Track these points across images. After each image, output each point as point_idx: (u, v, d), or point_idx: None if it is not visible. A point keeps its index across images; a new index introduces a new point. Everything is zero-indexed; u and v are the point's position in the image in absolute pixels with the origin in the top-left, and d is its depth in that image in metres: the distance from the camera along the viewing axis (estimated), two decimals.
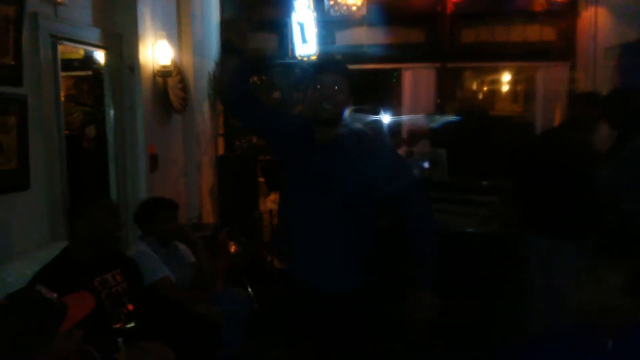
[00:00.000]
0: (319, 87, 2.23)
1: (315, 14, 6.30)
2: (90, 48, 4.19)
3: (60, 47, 3.59)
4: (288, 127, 2.42)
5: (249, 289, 4.09)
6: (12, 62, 3.06)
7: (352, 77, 2.29)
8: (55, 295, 1.67)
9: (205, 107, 5.80)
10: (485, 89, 7.46)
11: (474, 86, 7.46)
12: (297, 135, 2.37)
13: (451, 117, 5.77)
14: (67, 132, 5.02)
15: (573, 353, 1.81)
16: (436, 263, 2.25)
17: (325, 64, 2.42)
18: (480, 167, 5.34)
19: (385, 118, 5.59)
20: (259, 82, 6.58)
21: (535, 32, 6.24)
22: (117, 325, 2.67)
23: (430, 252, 2.25)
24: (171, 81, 4.91)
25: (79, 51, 5.09)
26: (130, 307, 2.78)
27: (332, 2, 6.23)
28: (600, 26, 5.78)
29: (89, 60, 5.31)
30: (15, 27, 3.06)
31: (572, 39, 6.17)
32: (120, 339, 2.23)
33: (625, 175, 3.42)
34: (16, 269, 2.78)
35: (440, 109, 6.35)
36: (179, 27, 5.30)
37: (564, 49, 6.20)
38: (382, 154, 2.32)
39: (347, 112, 2.25)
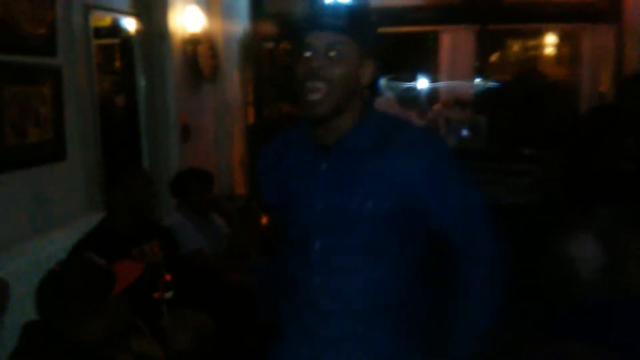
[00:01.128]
0: (306, 54, 1.43)
1: None
2: (120, 16, 4.28)
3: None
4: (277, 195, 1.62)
5: None
6: (46, 33, 3.16)
7: (371, 33, 1.48)
8: (104, 261, 1.79)
9: (235, 74, 5.87)
10: (528, 51, 7.36)
11: (517, 49, 7.36)
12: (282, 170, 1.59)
13: (495, 82, 5.75)
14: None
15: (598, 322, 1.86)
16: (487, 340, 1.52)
17: (315, 12, 1.47)
18: (524, 134, 5.34)
19: (422, 84, 5.55)
20: (290, 49, 6.61)
21: None
22: (156, 295, 2.80)
23: (485, 325, 1.51)
24: (201, 48, 4.99)
25: (107, 19, 5.19)
26: (168, 277, 2.91)
27: None
28: None
29: (117, 27, 5.41)
30: None
31: (618, 0, 6.04)
32: (164, 307, 2.35)
33: None
34: (57, 238, 2.92)
35: (480, 74, 6.31)
36: None
37: (610, 11, 6.07)
38: (437, 162, 1.46)
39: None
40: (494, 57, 6.81)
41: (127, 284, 1.80)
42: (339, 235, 1.46)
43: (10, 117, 2.87)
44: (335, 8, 1.46)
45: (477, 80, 5.90)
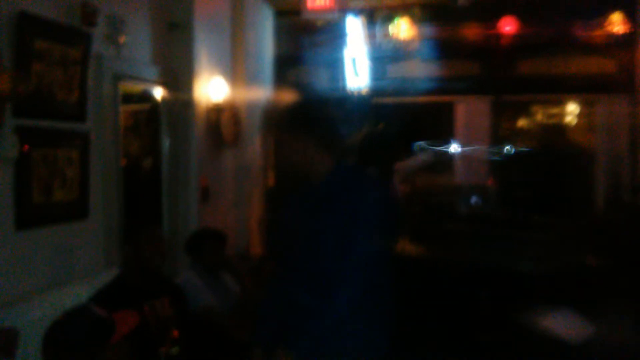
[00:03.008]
0: None
1: (367, 47, 6.60)
2: (148, 85, 4.60)
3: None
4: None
5: None
6: (78, 100, 3.46)
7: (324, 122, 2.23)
8: (105, 312, 1.97)
9: (257, 139, 6.14)
10: (543, 121, 7.51)
11: (532, 119, 7.51)
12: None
13: (508, 150, 5.91)
14: (125, 161, 5.46)
15: None
16: None
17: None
18: (535, 202, 5.46)
19: (454, 149, 5.69)
20: None
21: (594, 65, 6.30)
22: (163, 349, 2.94)
23: None
24: (224, 116, 5.27)
25: (138, 86, 5.54)
26: (176, 332, 3.04)
27: (384, 36, 6.51)
28: None
29: (147, 94, 5.76)
30: (81, 67, 3.46)
31: (632, 70, 6.19)
32: None
33: None
34: (73, 292, 3.11)
35: (495, 142, 6.47)
36: (234, 62, 5.68)
37: (623, 81, 6.22)
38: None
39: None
40: (509, 126, 6.99)
41: (125, 333, 1.95)
42: None
43: (38, 177, 3.13)
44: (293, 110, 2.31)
45: (490, 148, 6.08)
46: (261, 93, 6.25)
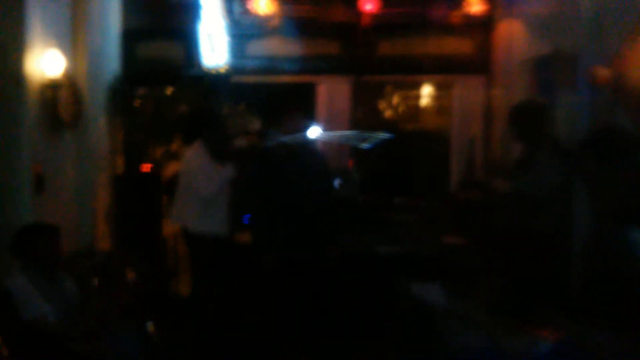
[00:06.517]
0: None
1: (225, 22, 6.32)
2: None
3: None
4: None
5: (148, 322, 4.00)
6: None
7: None
8: None
9: (102, 121, 5.68)
10: (402, 102, 7.66)
11: (392, 100, 7.64)
12: None
13: (368, 133, 5.95)
14: None
15: None
16: None
17: None
18: (395, 184, 5.56)
19: (314, 133, 5.61)
20: (165, 95, 6.52)
21: (452, 45, 6.48)
22: None
23: None
24: (62, 93, 4.80)
25: None
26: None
27: (242, 12, 6.28)
28: (516, 39, 6.07)
29: None
30: None
31: (488, 51, 6.44)
32: None
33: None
34: None
35: (355, 124, 6.49)
36: (74, 35, 5.18)
37: (480, 62, 6.46)
38: None
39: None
40: (369, 107, 7.05)
41: None
42: None
43: None
44: None
45: (351, 131, 6.09)
46: (107, 69, 5.78)
